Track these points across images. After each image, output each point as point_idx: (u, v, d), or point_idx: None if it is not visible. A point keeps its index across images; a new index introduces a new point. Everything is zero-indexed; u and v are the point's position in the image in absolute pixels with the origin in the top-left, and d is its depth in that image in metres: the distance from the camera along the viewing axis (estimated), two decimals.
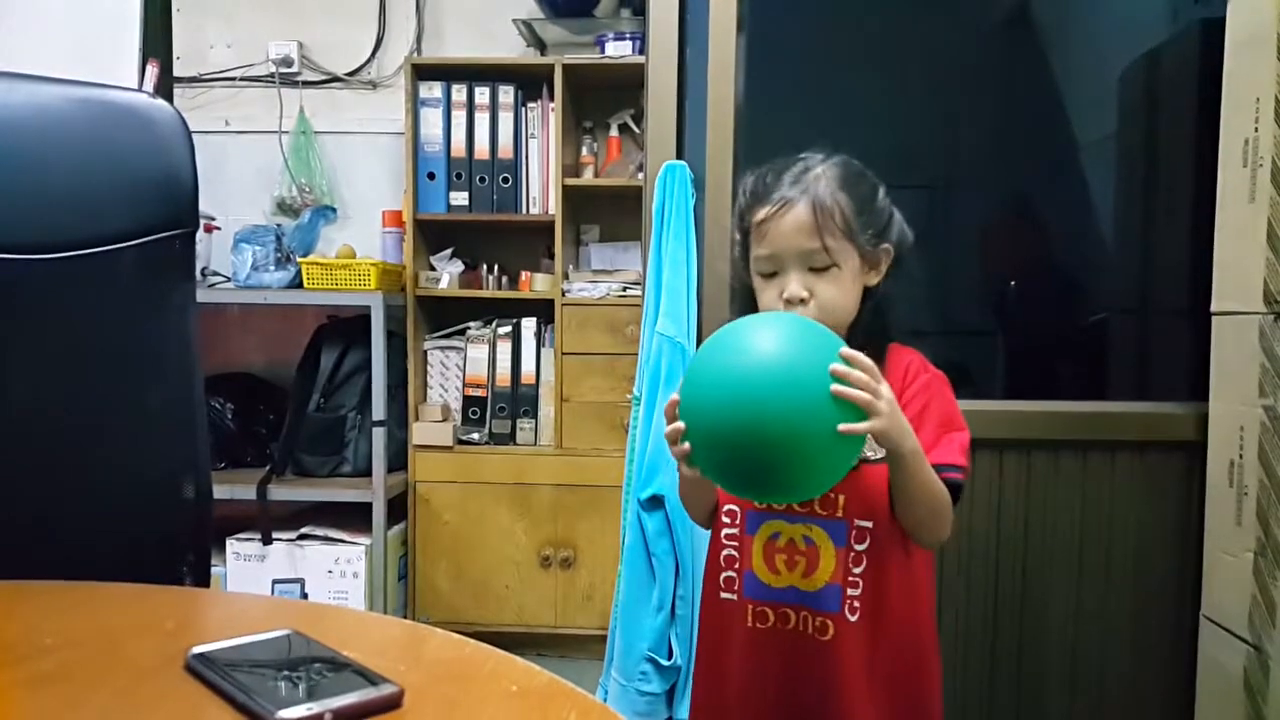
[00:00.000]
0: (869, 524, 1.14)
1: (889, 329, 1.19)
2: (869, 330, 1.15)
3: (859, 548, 1.14)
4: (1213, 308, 1.68)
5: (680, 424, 1.02)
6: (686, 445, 1.02)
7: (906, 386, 1.15)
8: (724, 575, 1.21)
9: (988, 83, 1.98)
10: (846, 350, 0.99)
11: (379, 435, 2.65)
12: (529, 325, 2.80)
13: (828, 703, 1.14)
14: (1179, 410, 1.76)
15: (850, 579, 1.14)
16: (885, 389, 1.01)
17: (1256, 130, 1.55)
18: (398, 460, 2.75)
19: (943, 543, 1.16)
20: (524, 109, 2.77)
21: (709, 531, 1.25)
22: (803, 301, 1.11)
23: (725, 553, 1.21)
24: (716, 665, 1.23)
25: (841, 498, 1.14)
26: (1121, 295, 2.00)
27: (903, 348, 1.19)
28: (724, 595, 1.20)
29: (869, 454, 1.10)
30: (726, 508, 1.21)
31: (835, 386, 0.96)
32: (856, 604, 1.13)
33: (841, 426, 0.96)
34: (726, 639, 1.20)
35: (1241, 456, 1.59)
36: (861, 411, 0.98)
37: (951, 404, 1.17)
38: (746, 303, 1.20)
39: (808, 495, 1.10)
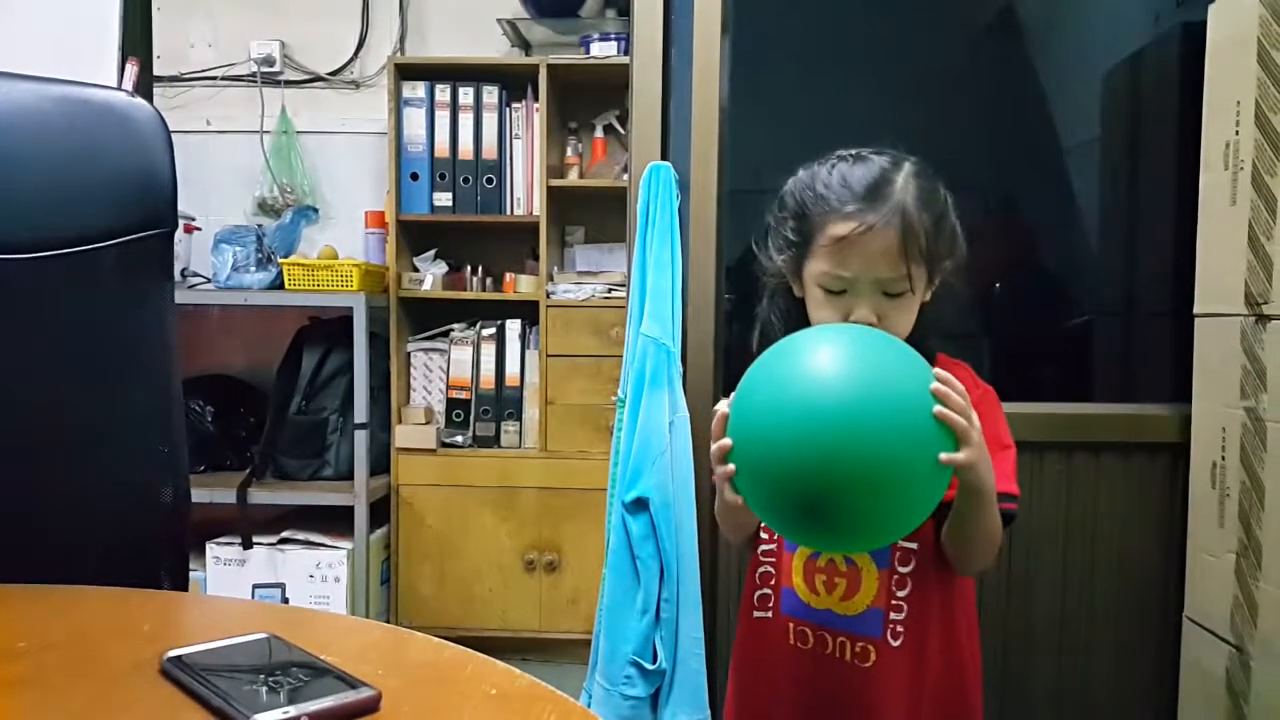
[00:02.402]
0: (913, 545, 1.07)
1: (932, 341, 1.10)
2: (915, 345, 1.05)
3: (903, 570, 1.08)
4: (1195, 310, 1.69)
5: (727, 441, 0.94)
6: (731, 467, 0.93)
7: None
8: (758, 593, 1.15)
9: (970, 86, 1.98)
10: (941, 372, 0.91)
11: (361, 438, 2.63)
12: (513, 327, 2.79)
13: None
14: (1162, 412, 1.77)
15: (894, 602, 1.08)
16: (976, 416, 0.92)
17: (1237, 133, 1.56)
18: (380, 463, 2.73)
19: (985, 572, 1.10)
20: (508, 109, 2.76)
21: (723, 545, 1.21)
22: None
23: (761, 569, 1.15)
24: (756, 686, 1.16)
25: None
26: (1105, 297, 2.01)
27: (951, 360, 1.11)
28: (758, 614, 1.14)
29: None
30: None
31: (938, 409, 0.88)
32: (900, 628, 1.07)
33: (944, 456, 0.87)
34: (767, 659, 1.14)
35: (1224, 458, 1.60)
36: (955, 440, 0.89)
37: (1001, 420, 1.11)
38: (788, 303, 1.12)
39: (876, 541, 0.98)
